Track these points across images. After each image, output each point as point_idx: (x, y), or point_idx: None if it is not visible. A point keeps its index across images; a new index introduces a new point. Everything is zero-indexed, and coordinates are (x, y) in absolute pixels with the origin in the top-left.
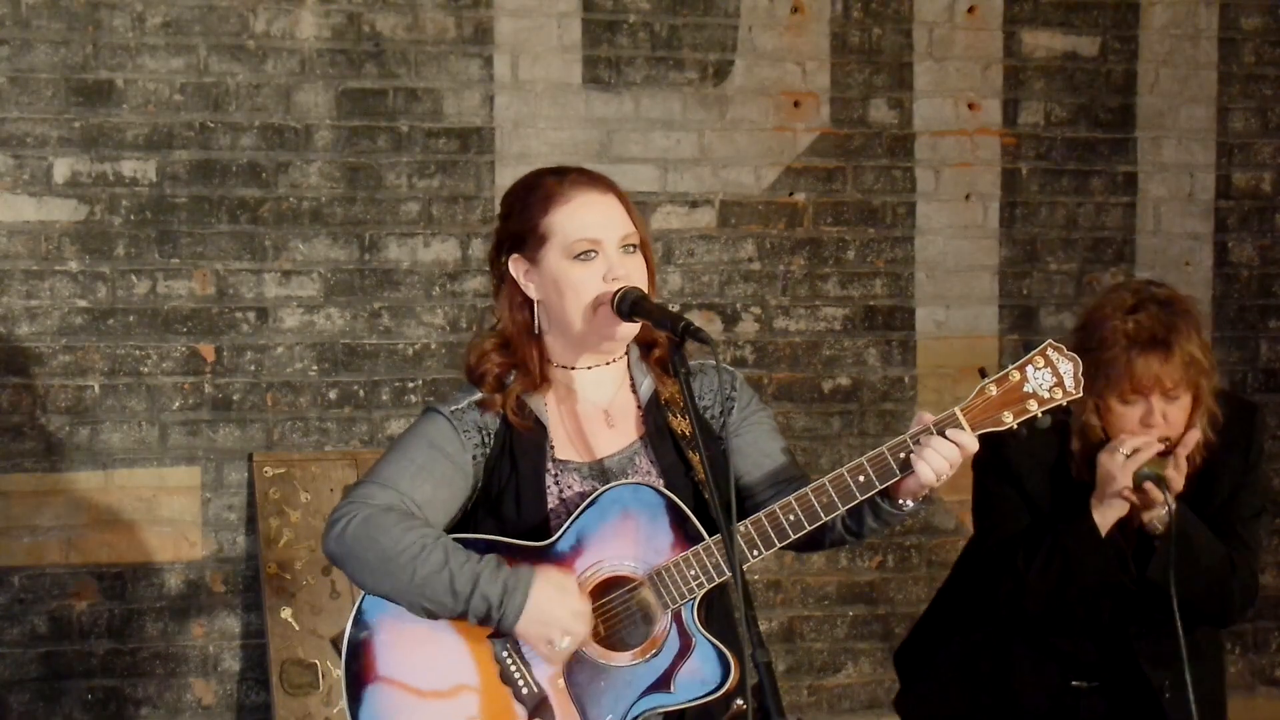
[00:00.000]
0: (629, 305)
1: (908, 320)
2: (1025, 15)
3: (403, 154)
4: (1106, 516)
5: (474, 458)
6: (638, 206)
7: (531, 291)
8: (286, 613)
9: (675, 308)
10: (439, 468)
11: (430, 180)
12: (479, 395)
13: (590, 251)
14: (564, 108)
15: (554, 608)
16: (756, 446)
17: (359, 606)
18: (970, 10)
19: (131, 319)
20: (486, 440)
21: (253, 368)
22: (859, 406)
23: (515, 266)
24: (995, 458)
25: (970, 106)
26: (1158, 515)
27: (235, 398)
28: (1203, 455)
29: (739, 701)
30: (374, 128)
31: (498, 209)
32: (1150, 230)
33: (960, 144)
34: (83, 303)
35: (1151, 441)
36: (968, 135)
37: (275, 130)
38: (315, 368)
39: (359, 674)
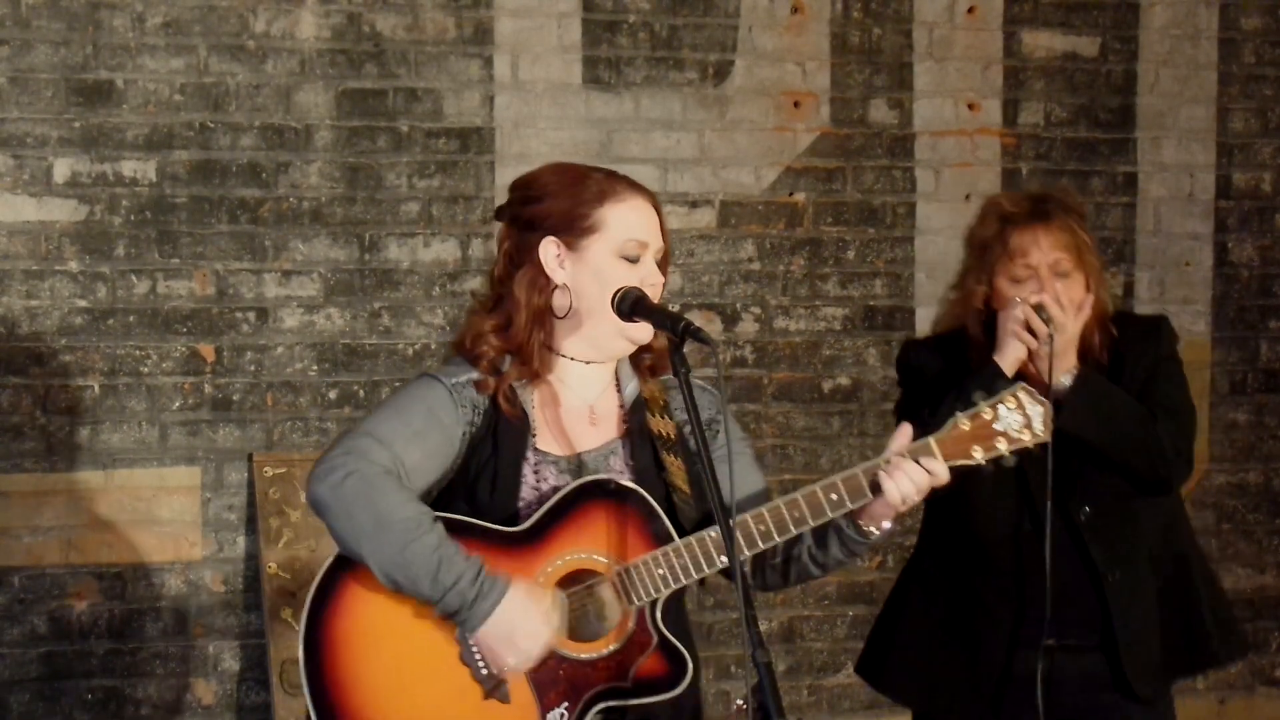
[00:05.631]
0: (629, 305)
1: (908, 320)
2: (1025, 15)
3: (403, 154)
4: (1005, 360)
5: (464, 433)
6: None
7: (560, 277)
8: (286, 612)
9: (675, 308)
10: (433, 437)
11: (430, 180)
12: (476, 375)
13: (638, 255)
14: (564, 108)
15: (520, 618)
16: (738, 477)
17: (318, 581)
18: (970, 10)
19: (131, 319)
20: (476, 419)
21: (253, 368)
22: (859, 406)
23: (547, 248)
24: (905, 369)
25: (970, 107)
26: (1051, 364)
27: (235, 398)
28: (1108, 351)
29: (739, 702)
30: (374, 128)
31: (522, 190)
32: (1150, 230)
33: (960, 144)
34: (83, 303)
35: (1041, 289)
36: (968, 135)
37: (275, 130)
38: (315, 368)
39: (316, 649)
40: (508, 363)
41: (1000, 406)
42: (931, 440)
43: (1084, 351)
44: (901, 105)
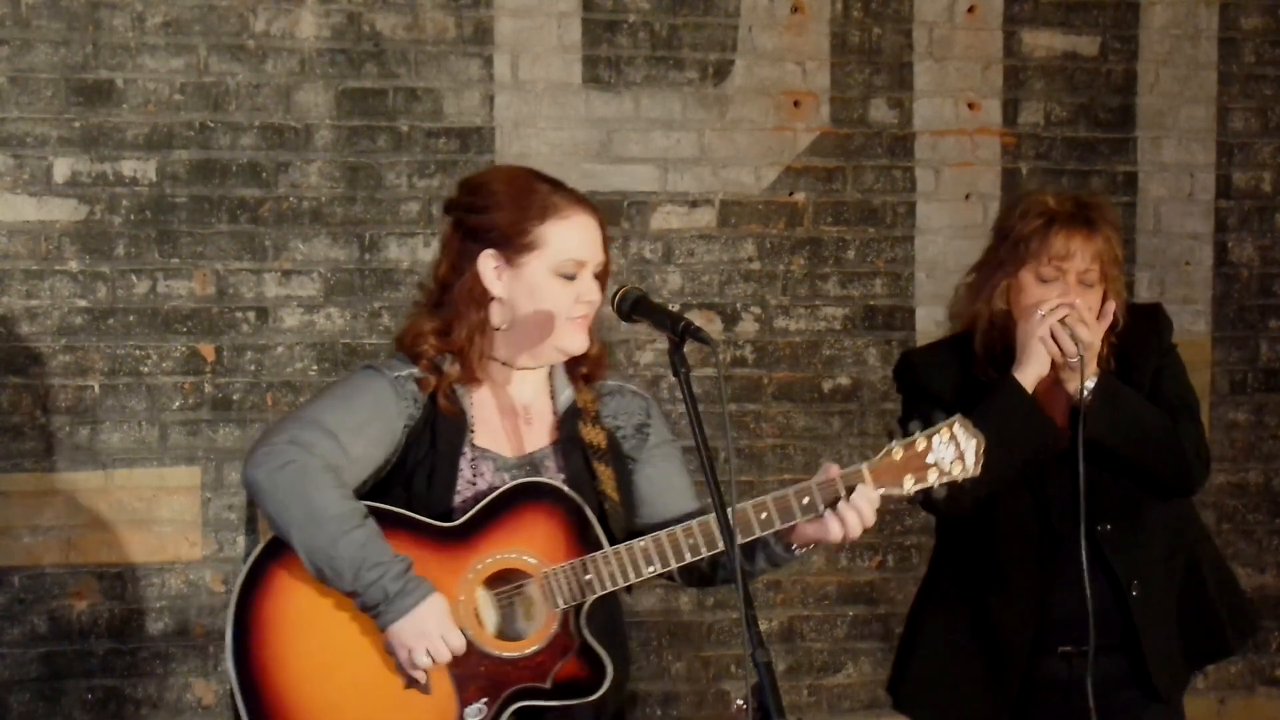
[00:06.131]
0: (630, 305)
1: (908, 320)
2: (1025, 15)
3: (403, 154)
4: (1027, 376)
5: (405, 425)
6: (638, 206)
7: (498, 290)
8: None
9: (675, 308)
10: (376, 428)
11: (430, 180)
12: (417, 371)
13: (575, 273)
14: (564, 108)
15: (432, 626)
16: (666, 479)
17: (250, 563)
18: (970, 10)
19: (131, 319)
20: (416, 412)
21: (253, 368)
22: (859, 406)
23: (485, 261)
24: (907, 375)
25: (970, 106)
26: (1082, 382)
27: (235, 398)
28: (1114, 354)
29: (739, 702)
30: (374, 128)
31: (470, 195)
32: (1150, 230)
33: (960, 144)
34: (83, 303)
35: (1066, 301)
36: (968, 135)
37: (275, 130)
38: (315, 368)
39: (245, 628)
40: (448, 361)
41: (934, 438)
42: (864, 467)
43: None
44: (901, 105)
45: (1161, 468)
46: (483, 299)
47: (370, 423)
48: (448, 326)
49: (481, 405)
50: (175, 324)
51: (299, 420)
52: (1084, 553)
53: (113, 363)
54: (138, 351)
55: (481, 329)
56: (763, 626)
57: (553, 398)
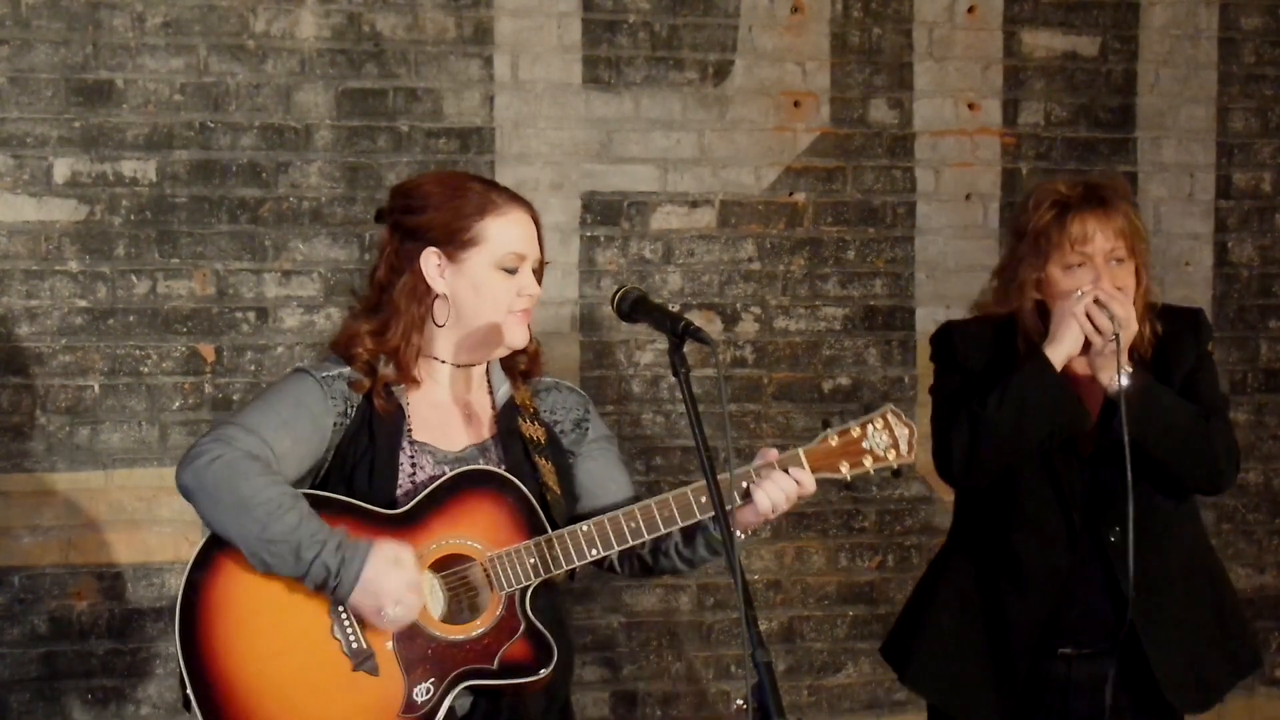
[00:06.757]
0: (629, 305)
1: (908, 320)
2: (1025, 15)
3: (403, 154)
4: (1058, 352)
5: (334, 424)
6: (638, 206)
7: (440, 287)
8: None
9: (675, 308)
10: (301, 426)
11: None
12: (349, 372)
13: (516, 267)
14: (564, 108)
15: (386, 580)
16: (605, 472)
17: (200, 548)
18: (970, 10)
19: (131, 319)
20: (349, 411)
21: (253, 368)
22: (859, 406)
23: (428, 259)
24: (945, 352)
25: (970, 106)
26: (1119, 366)
27: (235, 398)
28: (1151, 345)
29: (739, 702)
30: (374, 128)
31: (404, 199)
32: (1150, 230)
33: (960, 144)
34: (83, 303)
35: (1104, 287)
36: (968, 135)
37: (275, 130)
38: None
39: (193, 613)
40: (383, 362)
41: (869, 426)
42: (800, 452)
43: (1133, 345)
44: (901, 105)
45: (1192, 466)
46: (425, 296)
47: (294, 420)
48: (383, 327)
49: (418, 403)
50: (175, 324)
51: (221, 424)
52: (1131, 546)
53: (113, 363)
54: (138, 351)
55: (419, 326)
56: (763, 626)
57: (490, 393)
